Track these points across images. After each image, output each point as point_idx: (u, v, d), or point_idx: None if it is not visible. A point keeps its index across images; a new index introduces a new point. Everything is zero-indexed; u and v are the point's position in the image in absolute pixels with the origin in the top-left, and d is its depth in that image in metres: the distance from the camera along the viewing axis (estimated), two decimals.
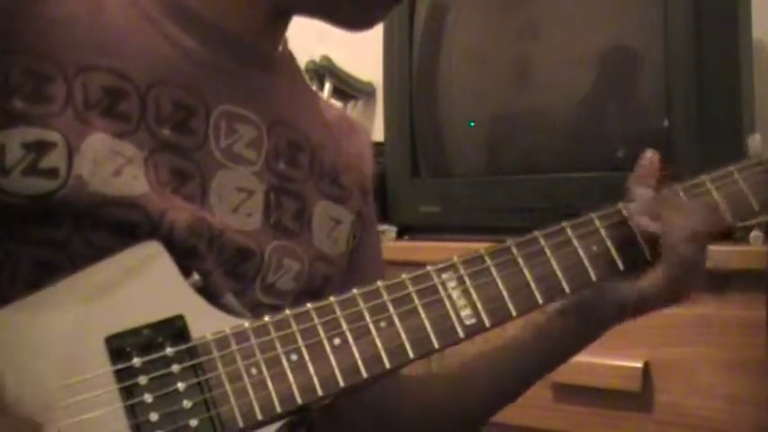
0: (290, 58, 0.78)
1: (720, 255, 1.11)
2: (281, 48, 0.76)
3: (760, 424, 1.08)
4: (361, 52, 1.56)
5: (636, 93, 1.33)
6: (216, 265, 0.63)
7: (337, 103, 1.94)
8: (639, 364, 1.17)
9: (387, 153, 1.52)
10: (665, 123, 1.24)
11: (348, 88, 1.90)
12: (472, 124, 1.46)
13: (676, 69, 1.23)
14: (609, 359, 1.19)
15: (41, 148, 0.57)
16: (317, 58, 1.79)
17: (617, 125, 1.33)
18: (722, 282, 1.12)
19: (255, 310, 0.66)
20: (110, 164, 0.59)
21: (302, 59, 1.76)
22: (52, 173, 0.57)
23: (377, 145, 1.58)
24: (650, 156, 0.73)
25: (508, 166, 1.43)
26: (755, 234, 1.12)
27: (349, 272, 0.78)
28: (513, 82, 1.45)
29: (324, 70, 1.82)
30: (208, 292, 0.60)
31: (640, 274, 0.70)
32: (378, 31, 1.49)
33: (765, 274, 1.08)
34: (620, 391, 1.18)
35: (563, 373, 1.22)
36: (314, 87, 1.82)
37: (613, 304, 0.72)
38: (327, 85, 1.84)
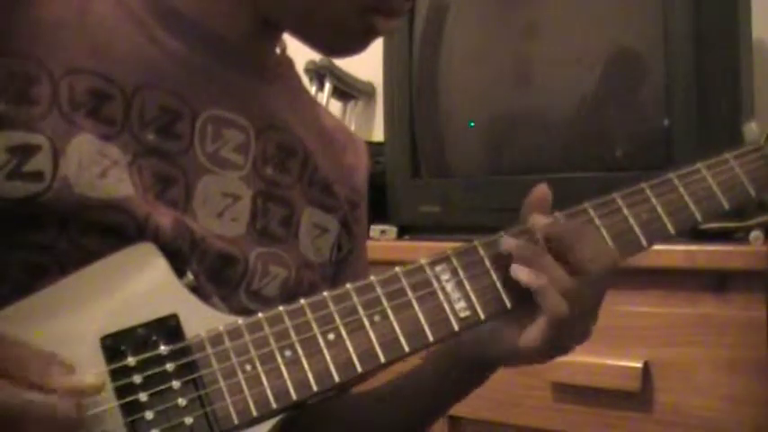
0: (288, 64, 0.78)
1: (720, 255, 1.11)
2: (278, 52, 0.75)
3: (760, 424, 1.08)
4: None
5: (636, 93, 1.33)
6: (200, 270, 0.63)
7: (337, 103, 1.94)
8: (639, 364, 1.17)
9: (387, 153, 1.52)
10: (665, 123, 1.24)
11: (348, 88, 1.90)
12: (472, 124, 1.46)
13: (676, 69, 1.22)
14: (609, 359, 1.18)
15: (26, 151, 0.56)
16: (317, 59, 1.79)
17: (617, 125, 1.33)
18: (722, 282, 1.12)
19: (242, 316, 0.65)
20: (95, 166, 0.59)
21: (302, 60, 1.76)
22: (37, 176, 0.56)
23: (377, 145, 1.58)
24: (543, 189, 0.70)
25: (508, 166, 1.43)
26: (755, 234, 1.12)
27: (336, 283, 0.77)
28: (513, 82, 1.45)
29: (324, 70, 1.82)
30: (197, 295, 0.59)
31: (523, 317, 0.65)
32: None
33: (765, 274, 1.08)
34: (620, 391, 1.18)
35: (563, 373, 1.24)
36: (314, 88, 1.82)
37: (495, 352, 0.68)
38: (327, 86, 1.84)
